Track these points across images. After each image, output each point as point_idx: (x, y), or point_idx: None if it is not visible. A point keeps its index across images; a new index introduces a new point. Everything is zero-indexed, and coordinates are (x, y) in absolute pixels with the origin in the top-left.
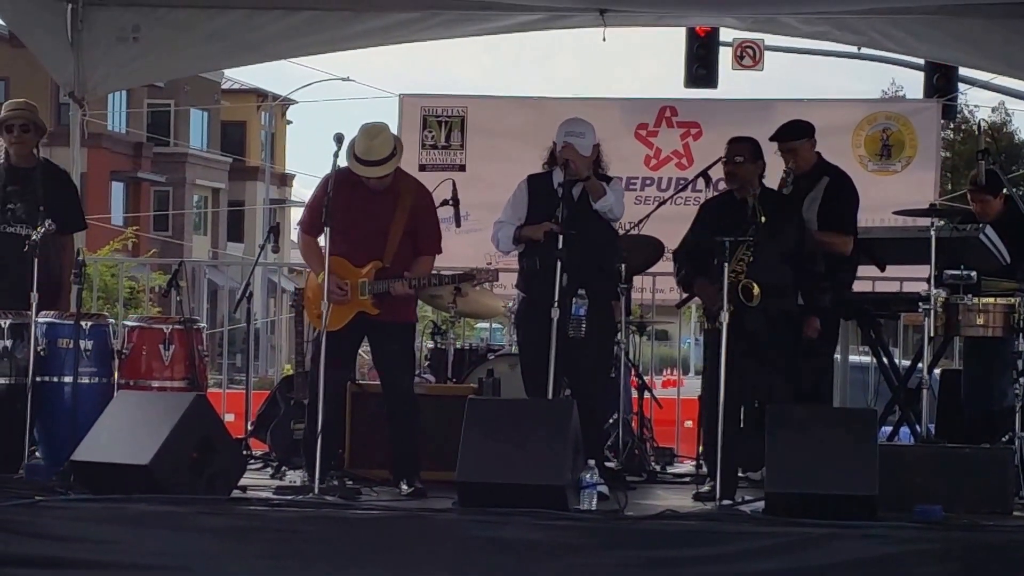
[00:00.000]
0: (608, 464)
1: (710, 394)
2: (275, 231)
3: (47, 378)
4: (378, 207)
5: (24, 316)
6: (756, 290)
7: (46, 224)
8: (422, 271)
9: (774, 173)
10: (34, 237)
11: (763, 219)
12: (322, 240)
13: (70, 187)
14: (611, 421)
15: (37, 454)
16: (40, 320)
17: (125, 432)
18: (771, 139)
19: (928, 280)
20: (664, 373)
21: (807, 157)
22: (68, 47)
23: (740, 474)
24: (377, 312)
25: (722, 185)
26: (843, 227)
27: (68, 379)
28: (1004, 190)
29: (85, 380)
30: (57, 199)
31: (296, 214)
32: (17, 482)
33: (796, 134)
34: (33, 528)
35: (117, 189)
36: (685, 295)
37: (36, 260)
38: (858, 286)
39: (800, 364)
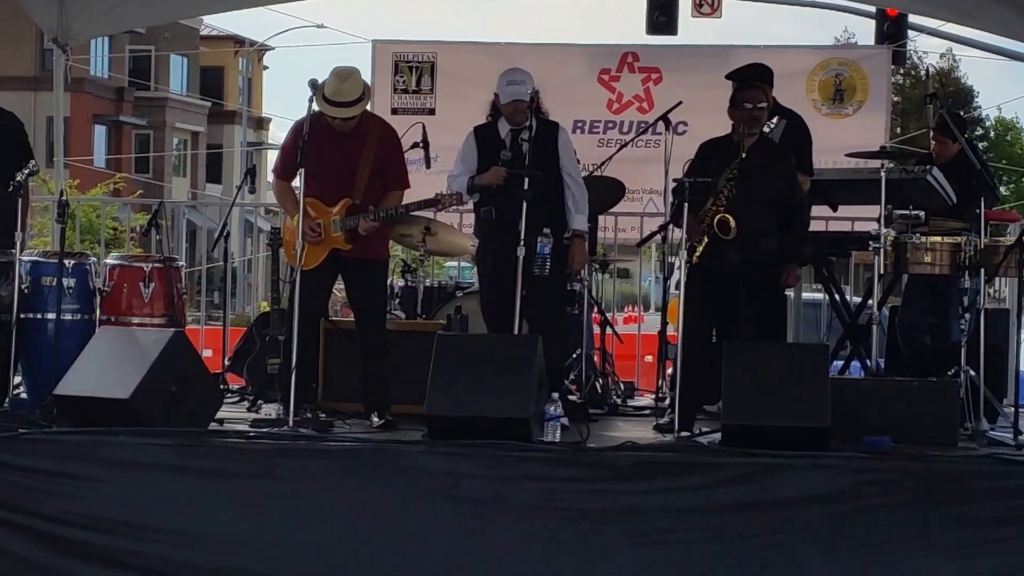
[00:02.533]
0: (571, 397)
1: (686, 328)
2: (251, 173)
3: (31, 315)
4: (346, 147)
5: (8, 255)
6: (732, 224)
7: (30, 165)
8: (391, 205)
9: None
10: (19, 178)
11: (744, 156)
12: (296, 183)
13: (19, 127)
14: (574, 356)
15: (21, 388)
16: (24, 259)
17: (106, 367)
18: (727, 77)
19: (878, 220)
20: (626, 310)
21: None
22: None
23: None
24: (349, 248)
25: (682, 128)
26: (802, 167)
27: (51, 316)
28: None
29: (68, 317)
30: (8, 141)
31: (273, 156)
32: (2, 415)
33: (761, 77)
34: (17, 459)
35: (99, 132)
36: (647, 234)
37: (20, 200)
38: (811, 226)
39: (769, 302)
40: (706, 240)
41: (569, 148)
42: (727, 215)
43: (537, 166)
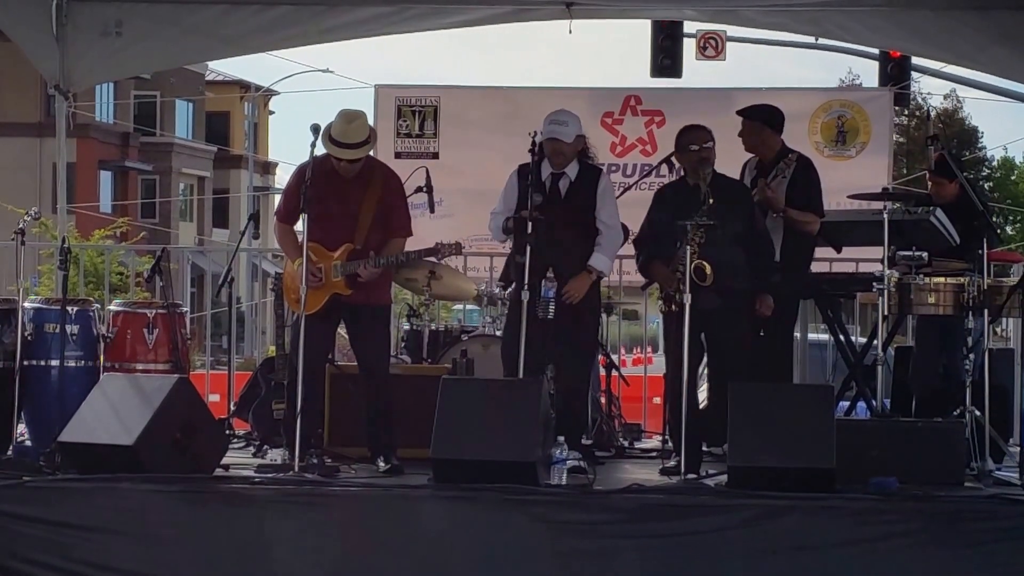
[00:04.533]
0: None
1: (673, 373)
2: (255, 218)
3: (34, 362)
4: (349, 192)
5: (11, 302)
6: (708, 270)
7: (32, 212)
8: (392, 252)
9: (737, 160)
10: (20, 225)
11: (711, 201)
12: (299, 227)
13: None
14: None
15: (25, 436)
16: (27, 306)
17: (110, 414)
18: (738, 113)
19: (882, 261)
20: (634, 351)
21: (771, 144)
22: (53, 42)
23: (704, 449)
24: (350, 293)
25: None
26: (813, 207)
27: (55, 363)
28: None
29: (71, 364)
30: None
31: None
32: (6, 463)
33: (762, 117)
34: (20, 507)
35: (105, 178)
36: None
37: (23, 246)
38: (815, 267)
39: (755, 340)
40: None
41: (608, 195)
42: (702, 261)
43: (572, 211)
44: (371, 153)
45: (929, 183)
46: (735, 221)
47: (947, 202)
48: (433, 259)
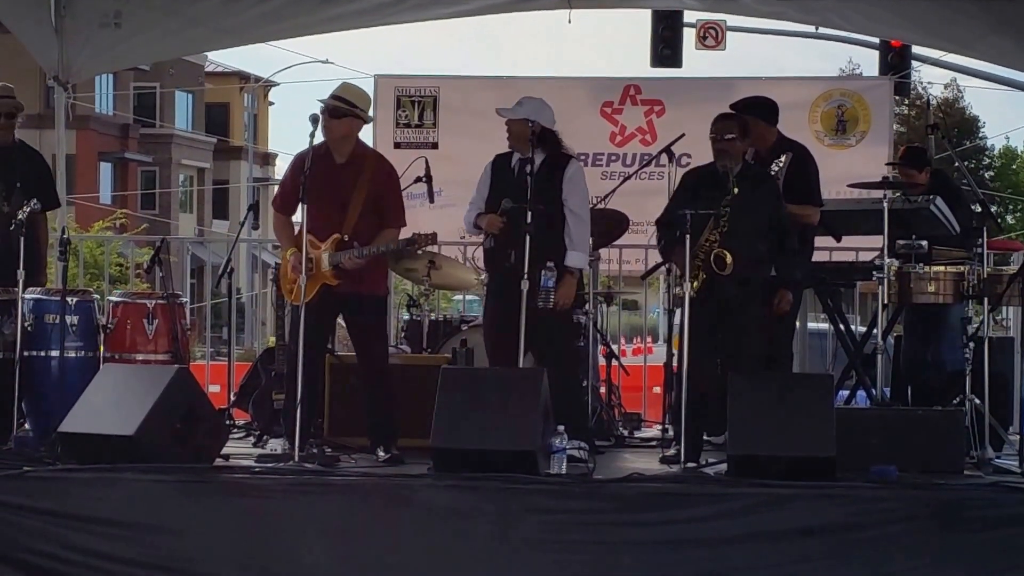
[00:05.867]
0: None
1: (691, 360)
2: (254, 209)
3: (35, 352)
4: (340, 181)
5: (11, 292)
6: (728, 259)
7: (32, 203)
8: (384, 242)
9: None
10: (20, 216)
11: (736, 191)
12: (296, 217)
13: (45, 167)
14: None
15: (26, 426)
16: (27, 296)
17: (110, 404)
18: (731, 107)
19: (882, 250)
20: (634, 341)
21: (766, 137)
22: (52, 33)
23: (704, 438)
24: (337, 283)
25: (685, 160)
26: (811, 199)
27: (55, 353)
28: (930, 166)
29: (71, 354)
30: (33, 179)
31: None
32: (6, 453)
33: (752, 109)
34: (21, 497)
35: (105, 169)
36: (651, 266)
37: (23, 238)
38: (815, 256)
39: (769, 332)
40: (703, 276)
41: (577, 183)
42: (723, 250)
43: (538, 198)
44: (369, 143)
45: (900, 175)
46: (760, 214)
47: (918, 193)
48: (414, 248)
